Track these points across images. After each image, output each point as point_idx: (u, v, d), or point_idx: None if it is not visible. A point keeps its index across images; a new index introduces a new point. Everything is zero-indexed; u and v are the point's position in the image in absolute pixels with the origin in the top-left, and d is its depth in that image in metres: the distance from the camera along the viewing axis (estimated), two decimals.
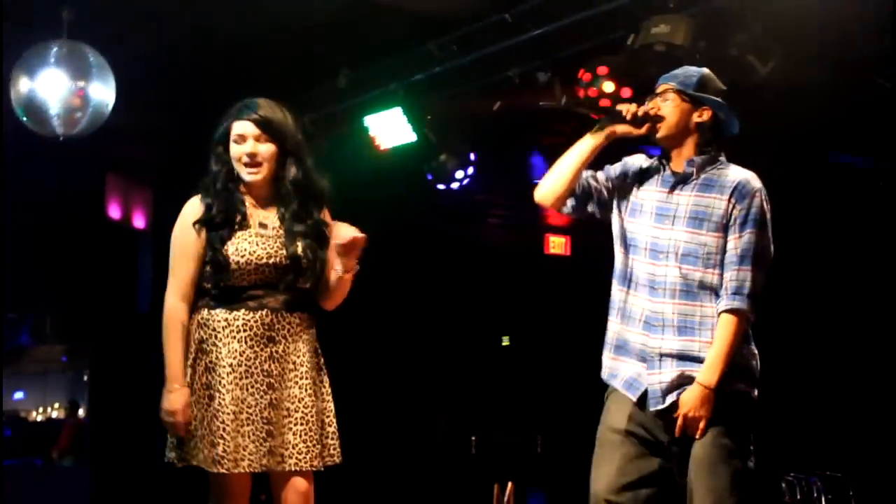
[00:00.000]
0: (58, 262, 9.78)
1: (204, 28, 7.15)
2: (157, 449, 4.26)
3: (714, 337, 3.88)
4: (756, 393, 3.98)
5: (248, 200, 4.13)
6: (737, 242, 3.91)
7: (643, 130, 4.00)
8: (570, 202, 4.15)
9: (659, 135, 4.01)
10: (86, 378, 10.89)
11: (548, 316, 10.83)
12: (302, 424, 4.04)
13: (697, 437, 3.87)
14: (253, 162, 4.05)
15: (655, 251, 3.98)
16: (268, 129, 4.04)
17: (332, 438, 4.16)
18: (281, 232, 4.08)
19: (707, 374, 3.85)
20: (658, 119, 3.99)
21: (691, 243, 3.92)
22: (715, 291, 3.92)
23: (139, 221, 10.59)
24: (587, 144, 4.07)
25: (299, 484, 4.07)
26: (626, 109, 3.99)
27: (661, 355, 3.94)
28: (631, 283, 4.07)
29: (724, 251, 3.92)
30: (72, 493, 9.35)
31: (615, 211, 4.13)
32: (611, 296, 4.12)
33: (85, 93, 6.53)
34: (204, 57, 7.57)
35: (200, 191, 4.12)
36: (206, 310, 4.07)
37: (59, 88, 6.49)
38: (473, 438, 9.98)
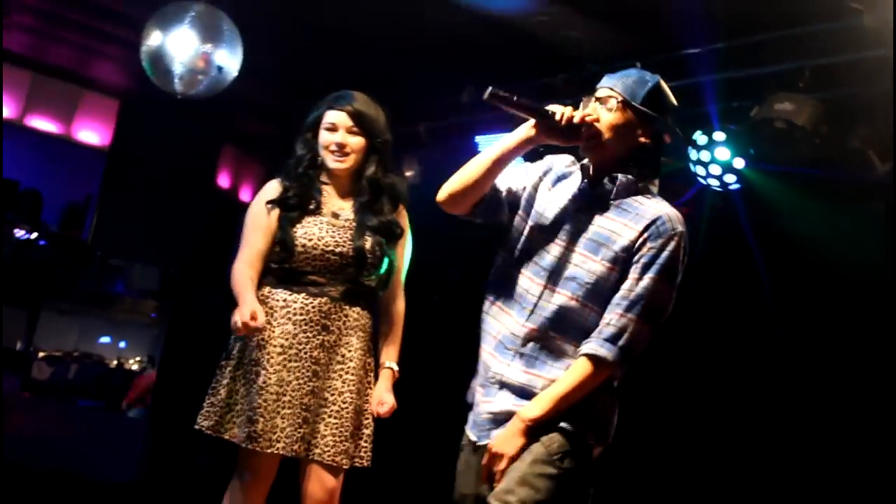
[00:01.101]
0: (164, 219, 9.96)
1: (343, 18, 7.22)
2: None
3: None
4: (599, 450, 3.40)
5: (326, 189, 4.18)
6: (633, 284, 3.30)
7: (572, 143, 3.40)
8: (477, 209, 3.51)
9: (589, 148, 3.41)
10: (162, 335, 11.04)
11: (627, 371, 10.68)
12: (336, 418, 4.05)
13: (496, 480, 3.28)
14: (341, 152, 4.10)
15: (539, 266, 3.40)
16: (360, 122, 4.10)
17: (366, 441, 4.17)
18: (353, 224, 4.12)
19: (530, 406, 3.29)
20: (594, 137, 3.36)
21: (579, 268, 3.34)
22: (585, 330, 3.33)
23: (245, 194, 10.74)
24: (505, 147, 3.41)
25: (326, 479, 4.08)
26: (562, 113, 3.33)
27: (501, 384, 3.40)
28: (500, 296, 3.50)
29: (613, 289, 3.33)
30: (127, 443, 9.47)
31: (520, 212, 3.53)
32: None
33: (210, 57, 6.63)
34: (335, 45, 7.64)
35: (282, 173, 4.19)
36: (267, 287, 4.13)
37: (188, 48, 6.60)
38: None
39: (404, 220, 4.28)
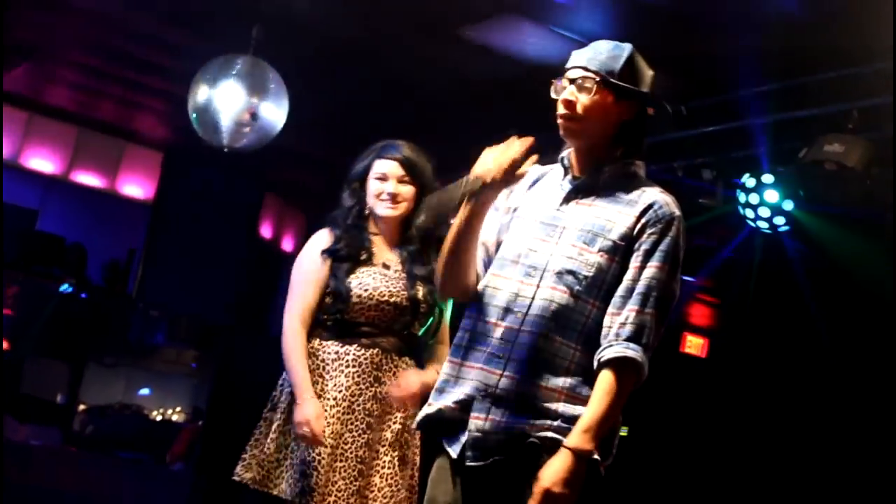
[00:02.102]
0: (206, 269, 9.99)
1: (385, 68, 7.26)
2: None
3: (589, 389, 2.99)
4: (605, 466, 3.04)
5: (375, 239, 4.17)
6: (637, 274, 3.01)
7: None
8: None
9: (568, 134, 3.13)
10: (209, 387, 11.06)
11: (675, 413, 10.63)
12: (390, 468, 4.03)
13: None
14: (393, 200, 4.09)
15: (527, 266, 3.08)
16: (411, 171, 4.10)
17: (413, 491, 4.14)
18: (403, 274, 4.10)
19: (583, 438, 2.92)
20: (574, 121, 3.09)
21: (576, 260, 3.03)
22: (583, 329, 3.02)
23: (288, 244, 10.77)
24: (459, 230, 3.12)
25: None
26: (489, 173, 3.04)
27: (494, 397, 3.02)
28: (482, 309, 3.13)
29: (614, 281, 3.03)
30: (173, 497, 9.46)
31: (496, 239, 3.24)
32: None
33: (257, 110, 6.67)
34: (378, 95, 7.68)
35: (328, 223, 4.18)
36: (317, 339, 4.10)
37: (235, 101, 6.64)
38: None
39: None
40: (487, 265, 3.19)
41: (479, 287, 3.15)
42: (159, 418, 12.53)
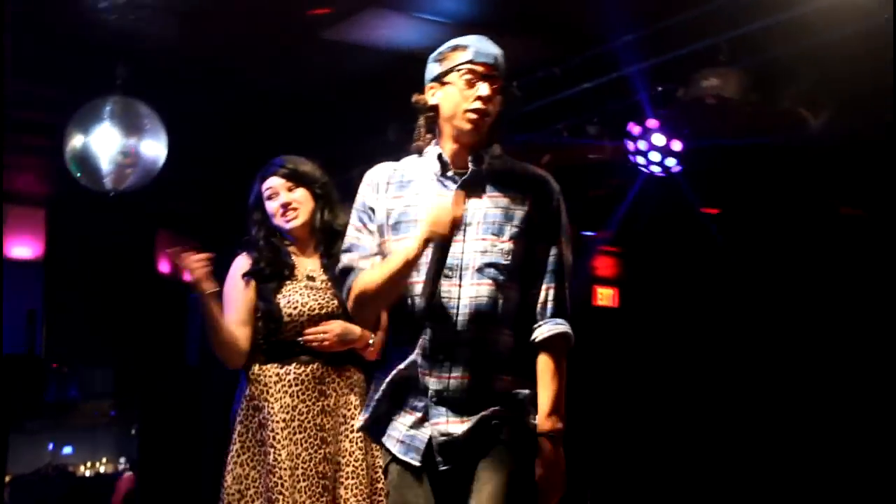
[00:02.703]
0: (108, 316, 9.85)
1: (255, 83, 7.23)
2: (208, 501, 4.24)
3: (527, 367, 3.16)
4: None
5: (293, 252, 4.16)
6: (545, 253, 3.18)
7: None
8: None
9: (477, 130, 3.15)
10: (134, 432, 10.92)
11: (596, 368, 10.76)
12: (353, 479, 4.03)
13: None
14: (288, 209, 4.10)
15: (446, 268, 3.12)
16: (295, 177, 4.13)
17: (381, 495, 4.13)
18: (329, 283, 4.09)
19: (551, 420, 3.12)
20: (486, 120, 3.15)
21: (492, 252, 3.11)
22: (510, 313, 3.13)
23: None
24: (403, 267, 3.09)
25: None
26: (442, 229, 3.03)
27: (448, 401, 3.10)
28: (413, 318, 3.16)
29: (525, 263, 3.15)
30: None
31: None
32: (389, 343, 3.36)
33: (136, 149, 6.59)
34: (255, 112, 7.62)
35: (244, 248, 4.18)
36: (256, 365, 4.08)
37: (112, 144, 6.56)
38: None
39: None
40: None
41: (400, 300, 3.16)
42: (89, 474, 12.36)
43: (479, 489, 3.05)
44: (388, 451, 3.21)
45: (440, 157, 3.19)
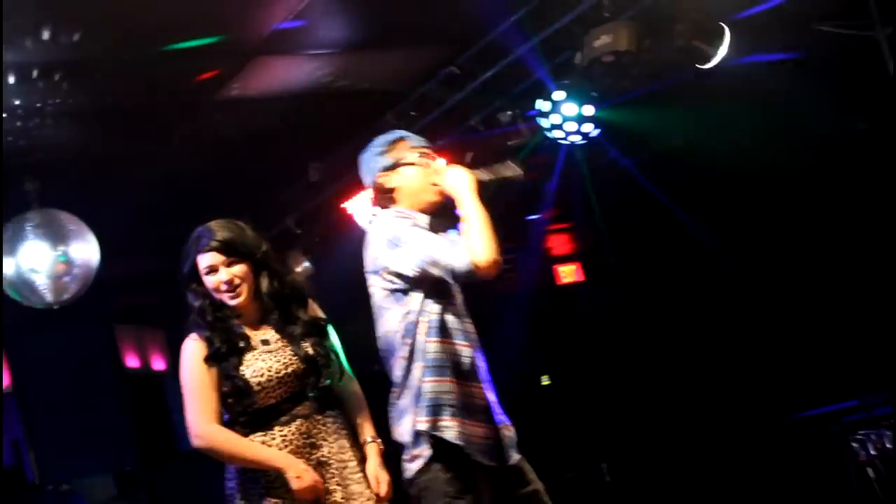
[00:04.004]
0: (91, 424, 9.80)
1: (165, 163, 7.18)
2: None
3: None
4: None
5: (241, 322, 4.10)
6: None
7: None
8: None
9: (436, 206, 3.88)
10: None
11: (580, 346, 10.79)
12: None
13: None
14: (232, 287, 4.02)
15: (461, 306, 3.94)
16: (232, 251, 4.02)
17: None
18: (284, 342, 4.06)
19: None
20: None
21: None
22: None
23: (158, 363, 10.61)
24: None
25: None
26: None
27: (496, 406, 3.86)
28: (449, 334, 3.78)
29: None
30: None
31: None
32: (434, 352, 3.73)
33: (69, 256, 6.55)
34: (176, 188, 7.59)
35: (193, 329, 4.08)
36: None
37: (43, 258, 6.52)
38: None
39: (318, 311, 4.23)
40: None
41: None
42: None
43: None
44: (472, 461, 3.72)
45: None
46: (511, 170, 3.93)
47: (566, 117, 6.54)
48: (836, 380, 8.21)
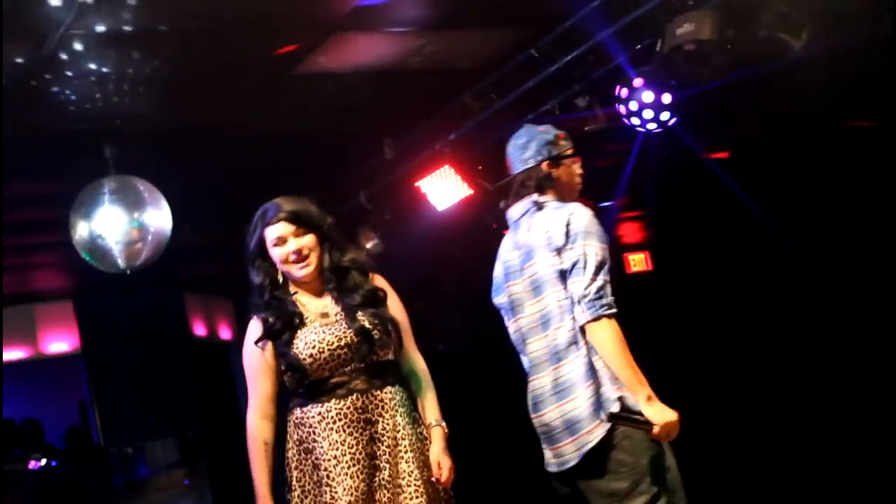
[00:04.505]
0: (157, 388, 9.92)
1: (244, 131, 7.23)
2: None
3: None
4: None
5: (301, 298, 4.14)
6: None
7: None
8: None
9: None
10: (210, 496, 10.98)
11: (647, 336, 10.74)
12: (416, 498, 4.01)
13: None
14: (301, 257, 4.07)
15: None
16: (301, 221, 4.07)
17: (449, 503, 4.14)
18: (342, 315, 4.08)
19: None
20: None
21: None
22: None
23: (225, 333, 10.70)
24: None
25: None
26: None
27: None
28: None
29: None
30: None
31: None
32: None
33: (142, 223, 6.62)
34: (250, 159, 7.65)
35: (253, 310, 4.14)
36: (298, 409, 4.08)
37: (117, 224, 6.60)
38: None
39: (382, 282, 4.24)
40: None
41: None
42: None
43: None
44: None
45: None
46: None
47: (644, 104, 6.48)
48: None
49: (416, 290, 4.50)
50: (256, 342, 4.09)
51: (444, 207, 7.88)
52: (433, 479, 4.08)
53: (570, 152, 4.20)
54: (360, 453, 4.00)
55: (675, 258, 9.54)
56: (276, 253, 4.07)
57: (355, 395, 4.03)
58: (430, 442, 4.13)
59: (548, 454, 4.09)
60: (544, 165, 4.13)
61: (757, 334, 8.95)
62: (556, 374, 3.98)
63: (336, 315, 4.09)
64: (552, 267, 3.95)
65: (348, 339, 4.04)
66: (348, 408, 4.01)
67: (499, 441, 10.27)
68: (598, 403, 3.87)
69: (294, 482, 4.09)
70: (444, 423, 4.17)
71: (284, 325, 4.05)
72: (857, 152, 7.71)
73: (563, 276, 3.91)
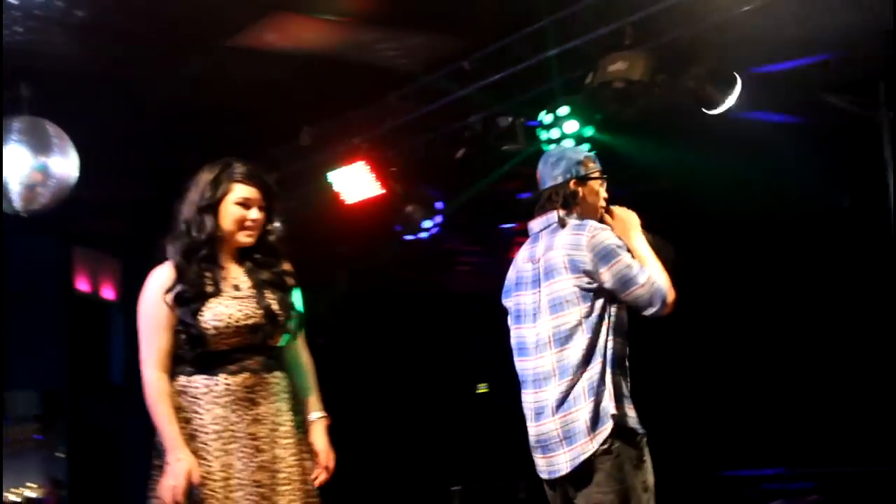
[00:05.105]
0: (27, 338, 9.71)
1: (162, 95, 7.16)
2: None
3: None
4: None
5: (222, 261, 4.07)
6: None
7: None
8: None
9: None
10: (62, 455, 10.77)
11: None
12: (288, 484, 4.00)
13: None
14: (255, 227, 4.02)
15: None
16: (269, 195, 4.04)
17: (312, 496, 4.12)
18: (253, 291, 4.04)
19: None
20: None
21: None
22: None
23: (108, 293, 10.55)
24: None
25: None
26: None
27: None
28: (626, 333, 4.16)
29: None
30: None
31: None
32: (611, 349, 4.08)
33: (46, 167, 6.51)
34: (164, 124, 7.58)
35: (170, 255, 4.04)
36: (183, 377, 3.99)
37: (21, 164, 6.47)
38: (456, 488, 9.90)
39: (291, 270, 4.21)
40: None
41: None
42: (18, 500, 12.14)
43: None
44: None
45: None
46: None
47: (565, 134, 6.58)
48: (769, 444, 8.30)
49: (307, 280, 4.46)
50: (165, 295, 3.97)
51: (352, 202, 7.90)
52: (321, 468, 4.10)
53: (596, 174, 4.36)
54: (242, 432, 3.96)
55: None
56: (235, 211, 3.99)
57: (247, 373, 3.99)
58: (313, 433, 4.14)
59: (540, 462, 4.20)
60: (571, 183, 4.29)
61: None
62: (562, 387, 4.09)
63: (248, 290, 4.04)
64: (575, 287, 4.11)
65: (257, 318, 4.00)
66: (238, 384, 3.97)
67: (372, 435, 10.32)
68: (597, 418, 4.02)
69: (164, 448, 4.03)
70: (326, 415, 4.18)
71: (196, 294, 3.97)
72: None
73: (587, 294, 4.09)
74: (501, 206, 8.60)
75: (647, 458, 4.11)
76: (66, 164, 6.65)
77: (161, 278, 4.01)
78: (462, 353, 11.12)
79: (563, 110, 6.55)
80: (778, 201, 7.99)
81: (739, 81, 6.11)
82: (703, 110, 6.18)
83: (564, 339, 4.10)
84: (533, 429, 4.21)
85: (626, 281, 4.05)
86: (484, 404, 11.23)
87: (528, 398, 4.24)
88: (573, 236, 4.14)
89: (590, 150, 4.52)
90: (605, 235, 4.11)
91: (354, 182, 7.81)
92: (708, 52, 6.13)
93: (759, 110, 6.49)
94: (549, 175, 4.32)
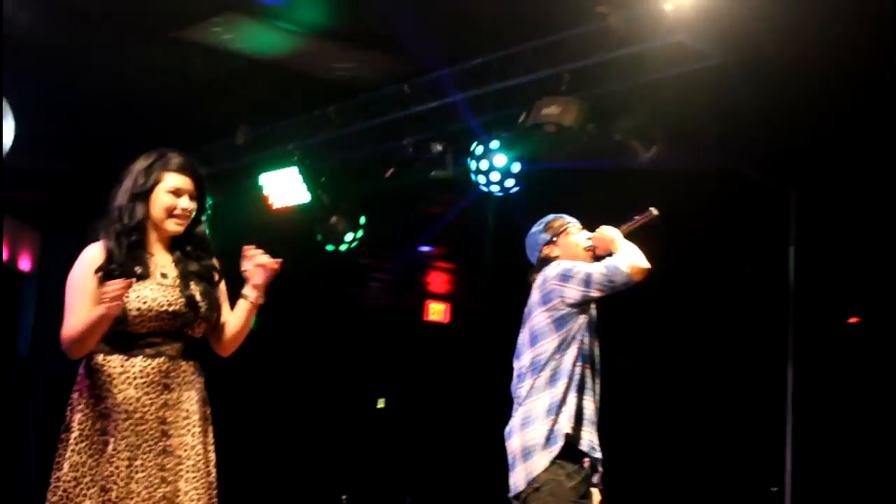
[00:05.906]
0: None
1: (103, 75, 7.21)
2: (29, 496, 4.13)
3: None
4: None
5: (151, 248, 4.14)
6: None
7: None
8: None
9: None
10: None
11: (423, 381, 10.94)
12: (194, 472, 4.06)
13: None
14: (185, 216, 4.06)
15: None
16: (200, 185, 4.12)
17: (213, 489, 4.20)
18: (178, 280, 4.13)
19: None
20: None
21: None
22: None
23: (25, 264, 10.49)
24: None
25: None
26: None
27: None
28: (592, 362, 4.48)
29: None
30: None
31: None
32: (578, 374, 4.41)
33: None
34: (100, 104, 7.59)
35: (102, 236, 4.09)
36: (100, 355, 4.01)
37: None
38: (344, 497, 10.02)
39: (218, 266, 4.31)
40: None
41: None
42: None
43: None
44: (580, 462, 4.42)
45: None
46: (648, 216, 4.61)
47: (494, 167, 6.77)
48: None
49: (226, 279, 4.54)
50: (96, 271, 4.06)
51: (278, 207, 7.99)
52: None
53: (560, 226, 4.72)
54: (152, 415, 4.00)
55: (475, 317, 9.79)
56: (166, 200, 4.04)
57: (163, 358, 4.03)
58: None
59: (509, 480, 4.47)
60: (544, 251, 4.70)
61: None
62: (526, 408, 4.43)
63: (174, 279, 4.13)
64: (545, 321, 4.47)
65: (179, 305, 4.06)
66: (153, 368, 4.01)
67: (269, 441, 10.36)
68: (551, 437, 4.35)
69: (74, 423, 4.02)
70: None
71: (124, 276, 3.95)
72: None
73: (560, 323, 4.45)
74: (422, 228, 8.75)
75: (596, 483, 4.48)
76: (3, 130, 6.65)
77: (93, 254, 4.08)
78: (366, 368, 11.22)
79: (495, 144, 6.74)
80: (686, 263, 8.22)
81: (660, 139, 6.34)
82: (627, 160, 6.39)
83: (541, 367, 4.45)
84: (507, 447, 4.51)
85: (587, 281, 4.39)
86: (381, 419, 11.34)
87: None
88: (540, 277, 4.53)
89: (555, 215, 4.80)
90: (564, 264, 4.49)
91: (284, 187, 7.90)
92: (638, 108, 6.34)
93: (677, 167, 6.71)
94: (532, 256, 4.77)
